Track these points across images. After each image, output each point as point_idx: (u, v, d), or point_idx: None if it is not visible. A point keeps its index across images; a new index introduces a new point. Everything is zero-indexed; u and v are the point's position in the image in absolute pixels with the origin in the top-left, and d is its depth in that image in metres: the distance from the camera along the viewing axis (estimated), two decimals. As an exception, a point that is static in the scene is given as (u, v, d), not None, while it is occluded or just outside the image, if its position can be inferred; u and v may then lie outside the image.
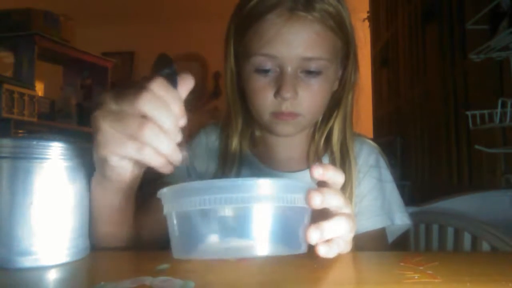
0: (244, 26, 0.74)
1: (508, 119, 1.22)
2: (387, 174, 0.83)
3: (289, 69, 0.70)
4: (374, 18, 3.47)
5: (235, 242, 0.42)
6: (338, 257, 0.53)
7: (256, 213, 0.42)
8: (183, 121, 0.47)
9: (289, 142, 0.82)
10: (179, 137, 0.47)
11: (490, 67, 1.48)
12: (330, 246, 0.47)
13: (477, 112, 1.39)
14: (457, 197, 1.21)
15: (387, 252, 0.57)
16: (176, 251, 0.44)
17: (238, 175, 0.81)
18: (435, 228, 1.13)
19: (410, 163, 2.46)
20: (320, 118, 0.82)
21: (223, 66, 0.81)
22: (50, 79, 3.66)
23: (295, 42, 0.70)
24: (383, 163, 0.84)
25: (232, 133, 0.82)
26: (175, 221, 0.45)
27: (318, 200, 0.45)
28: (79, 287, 0.45)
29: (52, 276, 0.49)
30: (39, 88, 3.30)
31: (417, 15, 2.35)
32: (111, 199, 0.58)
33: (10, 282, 0.45)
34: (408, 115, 2.52)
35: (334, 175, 0.50)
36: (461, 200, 1.21)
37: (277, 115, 0.73)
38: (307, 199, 0.45)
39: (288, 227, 0.44)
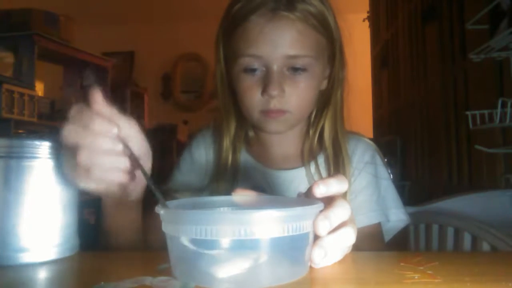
0: (231, 29, 0.76)
1: (508, 119, 1.22)
2: (383, 171, 0.84)
3: (274, 67, 0.72)
4: (374, 18, 3.47)
5: (236, 275, 0.40)
6: (338, 257, 0.53)
7: (260, 245, 0.40)
8: (114, 129, 0.49)
9: (283, 140, 0.83)
10: (118, 146, 0.49)
11: (490, 67, 1.48)
12: (330, 259, 0.47)
13: (477, 112, 1.39)
14: (457, 197, 1.22)
15: (387, 252, 0.57)
16: (174, 271, 0.43)
17: (234, 176, 0.82)
18: (435, 228, 1.13)
19: (410, 163, 2.46)
20: (313, 116, 0.83)
21: (214, 69, 0.83)
22: (50, 79, 3.66)
23: (278, 41, 0.72)
24: (379, 160, 0.84)
25: (225, 134, 0.83)
26: (171, 244, 0.43)
27: (325, 230, 0.45)
28: (79, 287, 0.45)
29: (52, 275, 0.49)
30: (39, 88, 3.29)
31: (417, 15, 2.35)
32: (120, 215, 0.62)
33: (1, 278, 0.45)
34: (408, 115, 2.52)
35: (338, 188, 0.49)
36: (461, 200, 1.21)
37: (266, 112, 0.74)
38: (314, 227, 0.44)
39: (293, 253, 0.43)
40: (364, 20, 3.56)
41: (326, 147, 0.81)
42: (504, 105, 1.24)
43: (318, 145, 0.83)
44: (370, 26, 3.55)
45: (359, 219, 0.78)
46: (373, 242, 0.78)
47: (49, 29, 2.84)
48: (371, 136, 3.38)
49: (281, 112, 0.74)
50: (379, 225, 0.80)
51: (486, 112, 1.34)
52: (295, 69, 0.73)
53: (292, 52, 0.72)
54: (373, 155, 0.84)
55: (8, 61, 2.67)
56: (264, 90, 0.72)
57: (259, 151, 0.85)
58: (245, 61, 0.74)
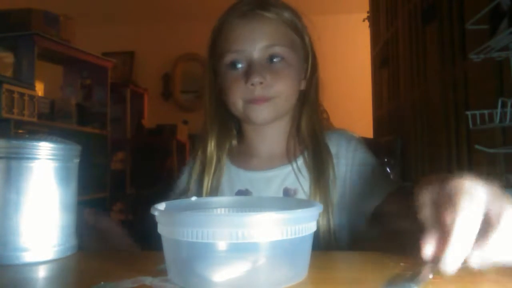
0: (216, 38, 0.86)
1: (508, 119, 1.22)
2: (370, 158, 0.87)
3: (255, 59, 0.80)
4: (374, 18, 3.47)
5: (232, 278, 0.39)
6: (338, 257, 0.53)
7: (258, 248, 0.39)
8: None
9: (268, 137, 0.87)
10: None
11: (490, 67, 1.48)
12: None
13: (477, 112, 1.39)
14: (457, 197, 1.21)
15: (387, 252, 0.57)
16: (170, 274, 0.43)
17: (217, 185, 0.84)
18: (435, 228, 1.13)
19: (410, 163, 2.46)
20: (293, 115, 0.88)
21: (203, 79, 0.90)
22: (50, 79, 3.65)
23: (256, 35, 0.81)
24: (363, 149, 0.87)
25: (208, 143, 0.87)
26: (167, 247, 0.42)
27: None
28: (80, 287, 0.45)
29: (52, 275, 0.49)
30: (39, 88, 3.29)
31: (417, 15, 2.35)
32: None
33: (1, 278, 0.45)
34: (408, 115, 2.52)
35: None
36: (461, 200, 1.20)
37: (250, 101, 0.80)
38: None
39: (292, 257, 0.42)
40: (364, 20, 3.56)
41: (306, 144, 0.85)
42: (504, 105, 1.24)
43: (302, 143, 0.87)
44: (370, 26, 3.55)
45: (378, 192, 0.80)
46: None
47: (49, 29, 2.83)
48: (371, 136, 3.37)
49: (265, 98, 0.80)
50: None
51: (486, 112, 1.34)
52: (273, 59, 0.81)
53: (268, 42, 0.80)
54: (357, 143, 0.88)
55: (8, 61, 2.66)
56: (248, 80, 0.78)
57: (242, 156, 0.88)
58: (229, 57, 0.82)
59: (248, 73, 0.79)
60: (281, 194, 0.81)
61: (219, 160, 0.86)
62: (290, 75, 0.83)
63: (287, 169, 0.84)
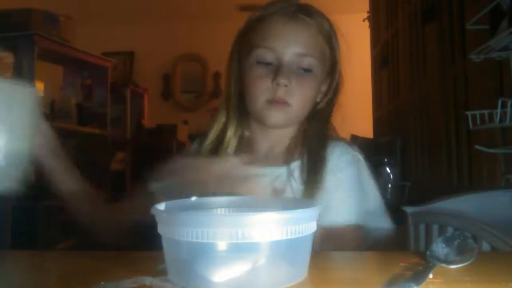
0: (251, 28, 0.85)
1: (508, 119, 1.22)
2: (364, 176, 0.84)
3: (285, 61, 0.80)
4: (374, 18, 3.47)
5: (233, 278, 0.39)
6: (338, 257, 0.53)
7: (258, 248, 0.39)
8: None
9: (271, 142, 0.87)
10: None
11: (490, 67, 1.48)
12: None
13: (477, 112, 1.39)
14: (457, 197, 1.21)
15: (387, 252, 0.58)
16: (170, 274, 0.43)
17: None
18: (435, 228, 1.13)
19: (410, 163, 2.46)
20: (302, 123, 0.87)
21: (227, 65, 0.90)
22: (50, 79, 3.65)
23: (292, 38, 0.81)
24: (359, 164, 0.85)
25: (225, 137, 0.87)
26: (167, 247, 0.42)
27: None
28: (80, 287, 0.45)
29: (51, 275, 0.49)
30: (39, 88, 3.29)
31: (417, 15, 2.35)
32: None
33: None
34: (408, 115, 2.52)
35: None
36: (461, 200, 1.21)
37: (271, 101, 0.80)
38: None
39: (292, 257, 0.42)
40: (364, 20, 3.56)
41: (306, 150, 0.84)
42: (504, 105, 1.24)
43: (302, 148, 0.85)
44: (370, 26, 3.55)
45: (332, 219, 0.77)
46: (342, 243, 0.76)
47: (49, 29, 2.83)
48: (371, 136, 3.37)
49: (285, 103, 0.80)
50: (354, 226, 0.78)
51: (486, 112, 1.34)
52: (302, 69, 0.81)
53: (302, 50, 0.81)
54: (351, 159, 0.84)
55: (8, 61, 2.66)
56: (274, 79, 0.78)
57: (243, 150, 0.88)
58: (260, 52, 0.81)
59: (276, 72, 0.79)
60: (269, 193, 0.81)
61: (226, 150, 0.87)
62: (312, 88, 0.83)
63: (281, 169, 0.83)
